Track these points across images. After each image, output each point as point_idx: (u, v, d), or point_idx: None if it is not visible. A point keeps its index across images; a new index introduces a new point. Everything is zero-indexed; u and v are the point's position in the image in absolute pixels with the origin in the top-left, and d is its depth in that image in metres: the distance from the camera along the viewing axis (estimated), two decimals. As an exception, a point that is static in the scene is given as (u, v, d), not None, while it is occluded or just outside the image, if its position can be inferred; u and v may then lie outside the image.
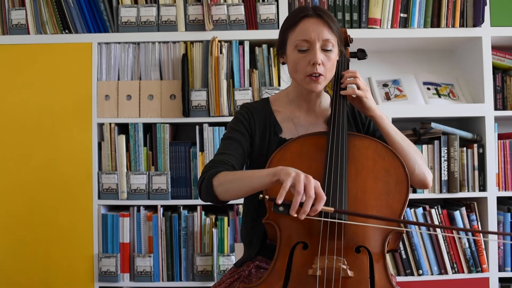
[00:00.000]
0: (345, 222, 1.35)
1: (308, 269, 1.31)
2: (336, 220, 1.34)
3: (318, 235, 1.35)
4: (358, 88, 1.55)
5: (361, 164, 1.46)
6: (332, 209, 1.28)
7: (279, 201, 1.22)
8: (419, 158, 1.55)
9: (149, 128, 2.51)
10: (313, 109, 1.65)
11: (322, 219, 1.34)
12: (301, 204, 1.23)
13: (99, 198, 2.44)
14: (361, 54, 1.72)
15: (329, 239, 1.34)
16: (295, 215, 1.24)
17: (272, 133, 1.61)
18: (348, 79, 1.56)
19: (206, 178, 1.45)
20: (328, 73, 1.55)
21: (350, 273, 1.30)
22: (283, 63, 1.65)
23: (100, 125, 2.49)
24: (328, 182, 1.40)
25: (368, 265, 1.35)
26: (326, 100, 1.69)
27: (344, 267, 1.30)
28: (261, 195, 1.28)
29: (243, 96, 2.45)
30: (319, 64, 1.51)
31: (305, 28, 1.52)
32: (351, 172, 1.44)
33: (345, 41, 1.70)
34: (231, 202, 2.42)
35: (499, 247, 2.50)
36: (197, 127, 2.47)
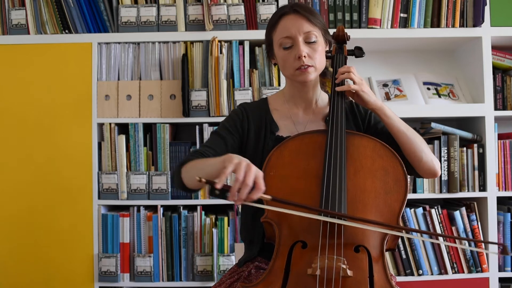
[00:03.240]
0: (344, 223, 1.34)
1: (307, 269, 1.31)
2: (336, 221, 1.34)
3: (317, 234, 1.35)
4: (354, 83, 1.55)
5: (359, 163, 1.46)
6: (270, 196, 1.30)
7: (218, 186, 1.24)
8: (425, 146, 1.55)
9: (149, 128, 2.51)
10: (310, 107, 1.66)
11: (322, 218, 1.34)
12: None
13: (99, 198, 2.44)
14: (358, 52, 1.72)
15: (328, 238, 1.34)
16: (232, 201, 1.27)
17: (268, 132, 1.62)
18: (342, 75, 1.57)
19: (177, 165, 1.52)
20: (318, 64, 1.57)
21: (349, 272, 1.30)
22: (275, 64, 1.67)
23: (100, 125, 2.49)
24: (327, 181, 1.40)
25: (367, 265, 1.34)
26: (323, 98, 1.69)
27: (344, 266, 1.30)
28: (197, 177, 1.27)
29: (243, 96, 2.45)
30: (304, 57, 1.53)
31: (284, 25, 1.56)
32: (350, 171, 1.44)
33: (342, 39, 1.71)
34: (230, 202, 2.44)
35: (499, 247, 2.49)
36: (197, 127, 2.47)
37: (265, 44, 1.67)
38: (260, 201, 1.31)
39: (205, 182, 1.26)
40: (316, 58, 1.56)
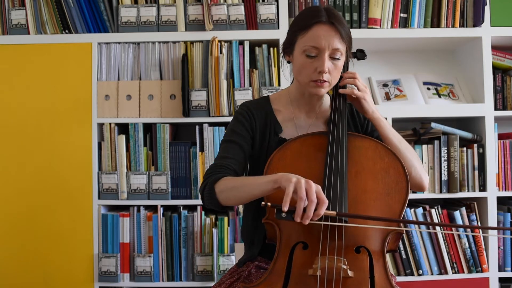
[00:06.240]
0: (345, 225, 1.34)
1: (308, 269, 1.31)
2: (337, 224, 1.34)
3: (318, 235, 1.35)
4: (358, 89, 1.55)
5: (361, 164, 1.46)
6: (334, 212, 1.29)
7: (285, 209, 1.23)
8: (416, 160, 1.56)
9: (149, 128, 2.51)
10: (313, 110, 1.65)
11: (323, 223, 1.34)
12: (304, 209, 1.24)
13: (99, 198, 2.44)
14: (360, 54, 1.72)
15: (329, 239, 1.34)
16: (299, 221, 1.25)
17: (272, 133, 1.61)
18: (347, 79, 1.57)
19: (208, 184, 1.45)
20: (334, 80, 1.54)
21: (350, 273, 1.30)
22: (288, 62, 1.62)
23: (100, 125, 2.49)
24: (329, 182, 1.40)
25: (368, 265, 1.35)
26: (326, 101, 1.69)
27: (345, 267, 1.30)
28: (263, 203, 1.29)
29: (243, 96, 2.45)
30: (325, 73, 1.50)
31: (316, 34, 1.49)
32: (351, 173, 1.45)
33: None
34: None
35: (499, 247, 2.50)
36: (197, 127, 2.47)
37: (285, 39, 1.59)
38: None
39: (271, 207, 1.27)
40: (334, 75, 1.52)
